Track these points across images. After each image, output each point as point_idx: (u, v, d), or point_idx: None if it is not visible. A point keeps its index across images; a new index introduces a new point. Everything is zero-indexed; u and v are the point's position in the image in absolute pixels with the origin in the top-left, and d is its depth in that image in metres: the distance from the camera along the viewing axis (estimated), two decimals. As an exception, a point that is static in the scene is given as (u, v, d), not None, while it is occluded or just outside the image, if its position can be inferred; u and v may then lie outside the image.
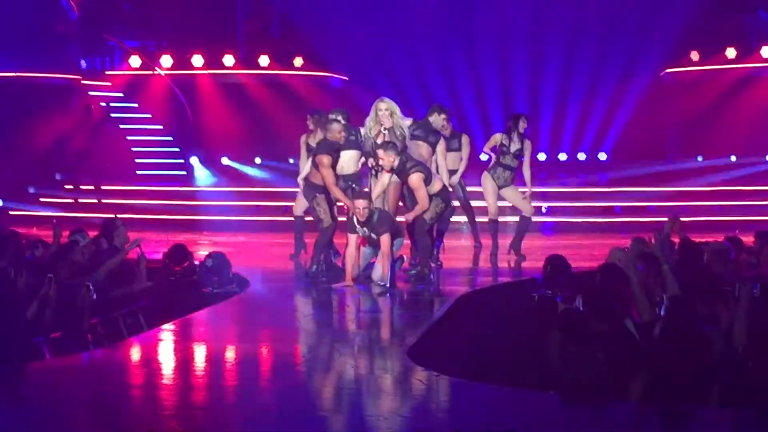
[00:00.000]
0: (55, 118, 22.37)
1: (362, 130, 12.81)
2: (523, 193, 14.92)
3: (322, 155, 12.38)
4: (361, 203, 11.79)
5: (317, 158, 12.43)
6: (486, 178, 14.91)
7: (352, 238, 11.97)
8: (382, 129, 12.53)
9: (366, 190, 12.64)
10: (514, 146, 14.68)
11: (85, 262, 11.14)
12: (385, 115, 12.47)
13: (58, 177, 22.37)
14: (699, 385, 7.18)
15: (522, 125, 14.73)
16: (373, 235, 11.93)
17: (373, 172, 12.63)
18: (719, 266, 9.47)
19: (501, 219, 15.43)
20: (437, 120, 13.36)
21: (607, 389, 7.23)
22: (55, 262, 10.42)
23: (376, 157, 12.52)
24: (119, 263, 11.49)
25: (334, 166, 12.47)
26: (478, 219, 15.80)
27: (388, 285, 11.65)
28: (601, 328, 7.53)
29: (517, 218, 15.46)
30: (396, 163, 12.02)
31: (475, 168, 15.74)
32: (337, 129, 12.37)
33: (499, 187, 14.86)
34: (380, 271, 11.91)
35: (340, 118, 12.92)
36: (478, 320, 11.50)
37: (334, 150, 12.43)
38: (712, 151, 22.60)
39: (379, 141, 12.49)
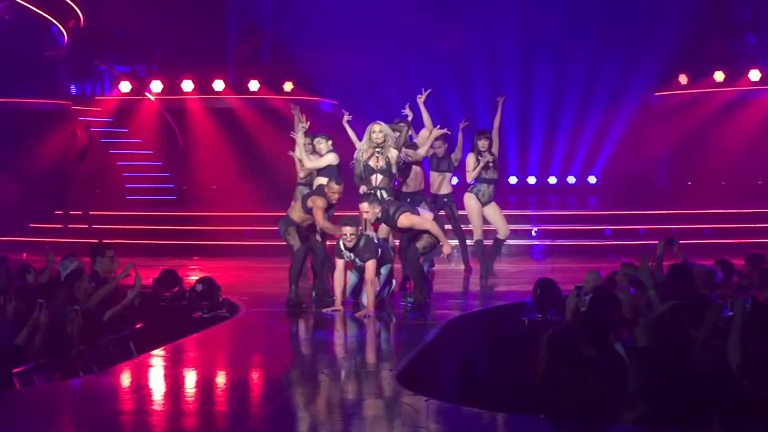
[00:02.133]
0: (44, 144, 22.35)
1: (355, 155, 12.96)
2: None
3: (318, 197, 12.44)
4: (348, 230, 11.77)
5: (312, 199, 12.45)
6: (469, 198, 14.92)
7: (340, 263, 11.95)
8: (375, 151, 12.65)
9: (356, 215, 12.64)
10: (488, 158, 14.68)
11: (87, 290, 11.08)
12: (380, 137, 12.70)
13: (47, 203, 22.35)
14: (691, 404, 7.19)
15: (480, 144, 14.72)
16: (359, 261, 11.93)
17: (368, 194, 12.70)
18: (705, 289, 9.51)
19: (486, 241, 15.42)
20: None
21: (597, 413, 7.23)
22: (49, 290, 10.37)
23: (366, 180, 12.73)
24: (111, 291, 11.45)
25: (326, 209, 12.54)
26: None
27: (371, 310, 11.60)
28: (591, 352, 7.53)
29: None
30: (379, 214, 12.20)
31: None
32: (335, 189, 12.40)
33: (483, 204, 14.86)
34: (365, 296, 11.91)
35: (324, 140, 13.57)
36: (468, 344, 11.51)
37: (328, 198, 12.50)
38: (702, 174, 22.66)
39: (371, 163, 12.74)
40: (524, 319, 11.77)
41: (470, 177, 14.84)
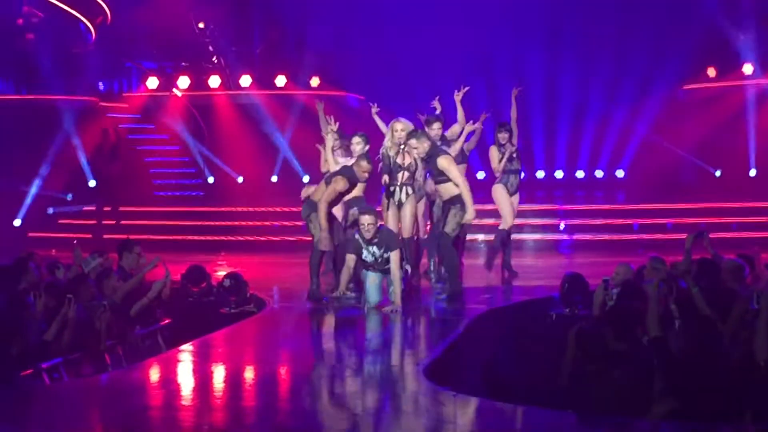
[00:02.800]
0: (73, 140, 22.47)
1: (381, 150, 12.88)
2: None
3: (341, 177, 12.22)
4: (367, 219, 11.53)
5: (336, 177, 12.22)
6: (498, 188, 14.80)
7: (351, 258, 11.72)
8: (400, 149, 12.62)
9: (378, 209, 12.61)
10: (510, 149, 14.65)
11: (115, 288, 11.13)
12: (402, 136, 12.54)
13: (70, 197, 22.49)
14: (720, 402, 7.15)
15: (500, 136, 14.69)
16: (381, 254, 11.64)
17: (391, 189, 12.70)
18: (733, 283, 9.48)
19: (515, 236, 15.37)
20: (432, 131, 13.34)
21: (624, 407, 7.20)
22: (76, 286, 10.44)
23: (392, 175, 12.64)
24: (137, 286, 11.50)
25: (343, 193, 12.34)
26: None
27: (398, 304, 11.43)
28: (619, 346, 7.50)
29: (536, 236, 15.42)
30: (428, 148, 12.21)
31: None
32: (365, 168, 12.15)
33: (510, 195, 14.81)
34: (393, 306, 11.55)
35: (362, 142, 13.22)
36: (495, 339, 11.49)
37: (351, 181, 12.32)
38: (730, 167, 22.55)
39: (398, 161, 12.68)
40: (552, 313, 11.75)
41: (497, 170, 14.80)
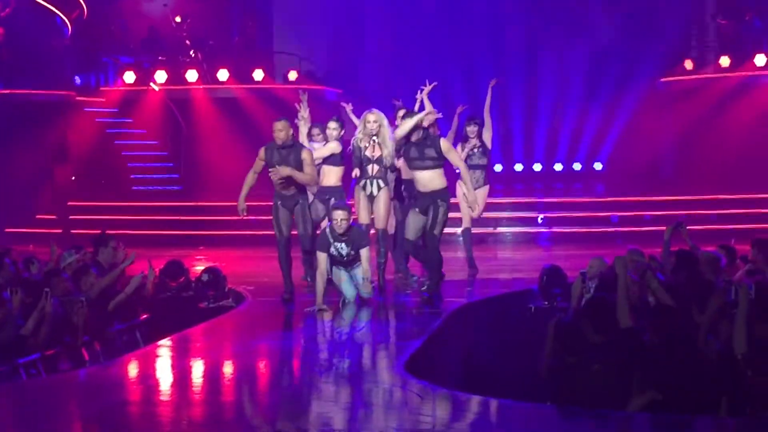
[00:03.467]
0: (49, 135, 22.35)
1: (352, 141, 12.47)
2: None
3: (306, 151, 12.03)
4: (340, 214, 11.31)
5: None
6: (459, 185, 14.03)
7: (323, 258, 11.39)
8: (372, 140, 12.11)
9: (350, 201, 12.48)
10: (472, 143, 14.27)
11: (93, 284, 11.08)
12: (374, 128, 12.01)
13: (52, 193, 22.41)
14: (697, 394, 7.16)
15: (468, 129, 14.35)
16: (349, 251, 11.43)
17: (362, 183, 12.30)
18: (711, 275, 9.50)
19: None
20: None
21: (604, 399, 7.21)
22: (49, 279, 10.39)
23: (363, 168, 12.24)
24: (114, 281, 11.46)
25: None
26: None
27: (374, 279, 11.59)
28: (597, 339, 7.51)
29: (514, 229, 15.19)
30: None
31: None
32: (278, 128, 11.73)
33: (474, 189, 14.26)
34: (368, 286, 11.54)
35: (339, 127, 13.21)
36: (475, 332, 11.50)
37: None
38: (708, 159, 22.60)
39: (368, 153, 12.17)
40: (531, 306, 11.76)
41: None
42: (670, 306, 8.19)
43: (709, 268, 9.62)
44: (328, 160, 13.25)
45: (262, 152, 12.00)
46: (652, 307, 8.49)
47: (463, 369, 10.63)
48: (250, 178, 12.27)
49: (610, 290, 8.58)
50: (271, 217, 12.23)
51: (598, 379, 7.26)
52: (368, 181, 12.29)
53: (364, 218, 12.33)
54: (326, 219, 12.52)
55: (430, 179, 11.77)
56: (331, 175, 13.23)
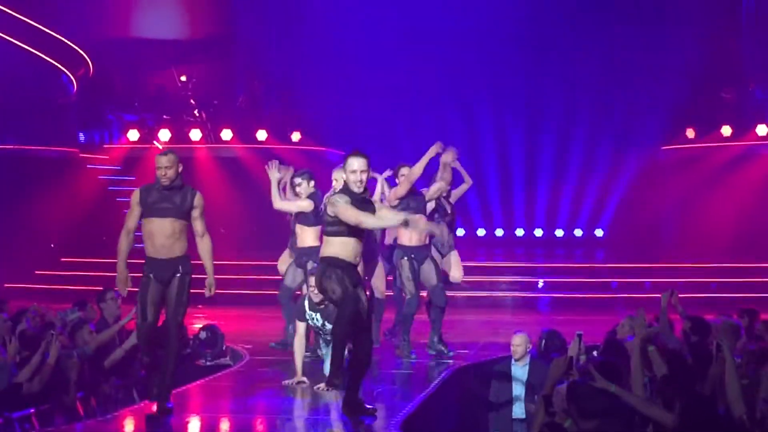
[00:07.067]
0: (52, 191, 22.40)
1: (325, 199, 10.41)
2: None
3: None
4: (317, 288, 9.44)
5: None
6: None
7: (301, 327, 10.55)
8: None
9: None
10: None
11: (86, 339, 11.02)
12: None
13: (53, 247, 22.43)
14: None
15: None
16: (323, 324, 10.43)
17: None
18: (726, 342, 9.40)
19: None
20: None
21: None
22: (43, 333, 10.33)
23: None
24: (111, 337, 11.41)
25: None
26: None
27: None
28: (610, 401, 7.20)
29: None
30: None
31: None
32: (162, 163, 9.16)
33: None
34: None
35: (303, 180, 12.17)
36: (470, 394, 11.43)
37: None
38: (709, 228, 22.61)
39: None
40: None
41: None
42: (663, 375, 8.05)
43: (725, 335, 9.51)
44: (299, 218, 12.30)
45: (136, 195, 9.21)
46: (660, 378, 8.32)
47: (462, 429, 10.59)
48: (125, 243, 9.61)
49: (615, 355, 8.46)
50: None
51: None
52: None
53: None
54: (305, 285, 11.49)
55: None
56: (306, 236, 12.20)
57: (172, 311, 9.09)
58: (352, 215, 8.39)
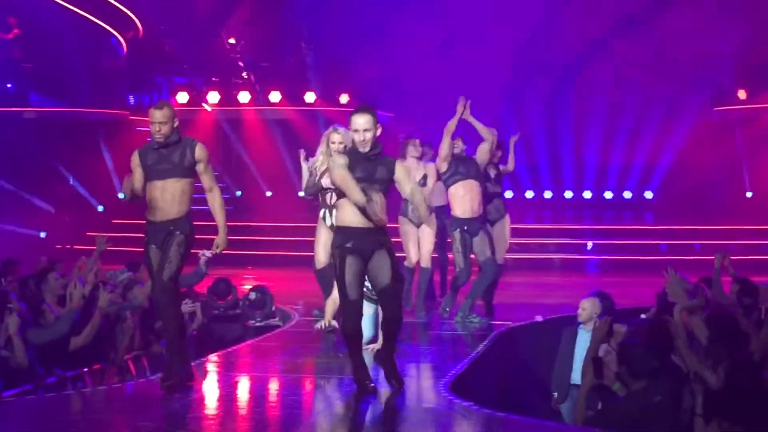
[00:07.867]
0: (103, 154, 22.58)
1: (309, 164, 11.06)
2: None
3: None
4: None
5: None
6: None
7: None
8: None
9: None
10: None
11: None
12: (340, 149, 10.18)
13: (101, 209, 22.60)
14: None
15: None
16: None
17: (322, 213, 11.00)
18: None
19: None
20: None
21: (658, 429, 7.05)
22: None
23: (323, 200, 10.87)
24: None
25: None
26: None
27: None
28: (655, 364, 7.22)
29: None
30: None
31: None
32: (156, 117, 8.59)
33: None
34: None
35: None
36: (521, 355, 11.45)
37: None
38: (762, 189, 22.43)
39: (324, 181, 10.60)
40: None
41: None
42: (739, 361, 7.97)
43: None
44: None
45: (135, 157, 8.51)
46: (707, 341, 8.27)
47: (508, 391, 10.59)
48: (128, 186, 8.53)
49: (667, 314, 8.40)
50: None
51: (659, 405, 7.03)
52: (327, 211, 10.85)
53: (321, 253, 11.12)
54: None
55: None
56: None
57: (156, 271, 8.13)
58: (340, 180, 7.74)
